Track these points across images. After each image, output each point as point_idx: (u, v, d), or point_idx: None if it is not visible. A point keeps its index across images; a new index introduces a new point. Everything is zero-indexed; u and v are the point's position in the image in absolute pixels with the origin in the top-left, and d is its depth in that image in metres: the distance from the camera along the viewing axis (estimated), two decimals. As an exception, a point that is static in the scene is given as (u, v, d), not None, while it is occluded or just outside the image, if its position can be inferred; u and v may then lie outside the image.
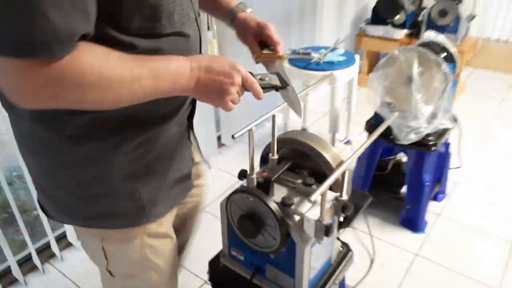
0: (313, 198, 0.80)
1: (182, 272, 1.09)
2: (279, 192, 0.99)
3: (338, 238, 1.17)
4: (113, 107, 0.66)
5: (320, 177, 0.94)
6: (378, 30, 3.11)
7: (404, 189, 1.92)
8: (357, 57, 2.29)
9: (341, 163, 0.99)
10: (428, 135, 1.68)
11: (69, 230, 1.80)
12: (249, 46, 0.95)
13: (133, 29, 0.66)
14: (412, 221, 1.89)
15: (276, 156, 1.05)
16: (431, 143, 1.69)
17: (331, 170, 0.97)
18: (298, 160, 1.07)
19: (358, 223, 1.94)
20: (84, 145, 0.74)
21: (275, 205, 0.91)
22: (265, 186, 0.97)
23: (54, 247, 1.78)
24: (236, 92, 0.74)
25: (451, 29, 2.82)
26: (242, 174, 1.01)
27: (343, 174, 0.92)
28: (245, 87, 0.76)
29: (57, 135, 0.73)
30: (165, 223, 0.93)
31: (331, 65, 2.13)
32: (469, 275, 1.67)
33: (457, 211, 2.02)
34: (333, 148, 1.02)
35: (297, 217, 0.92)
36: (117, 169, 0.78)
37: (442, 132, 1.73)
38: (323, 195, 0.86)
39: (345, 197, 0.95)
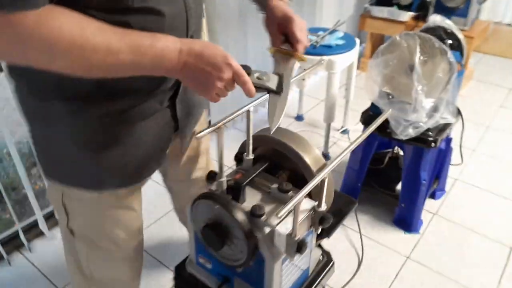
0: (281, 214, 0.68)
1: (161, 268, 1.02)
2: (252, 198, 0.86)
3: (319, 245, 1.06)
4: (86, 76, 0.65)
5: (301, 182, 0.82)
6: (382, 12, 2.93)
7: (400, 186, 1.80)
8: (357, 41, 2.13)
9: (323, 167, 0.86)
10: (428, 130, 1.55)
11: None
12: (271, 37, 0.87)
13: (94, 1, 0.63)
14: (406, 221, 1.77)
15: (251, 156, 0.93)
16: (430, 139, 1.56)
17: (311, 176, 0.85)
18: (277, 161, 0.94)
19: (348, 220, 1.83)
20: (47, 102, 0.75)
21: (243, 215, 0.79)
22: (235, 192, 0.85)
23: (42, 226, 1.73)
24: (224, 87, 0.70)
25: (461, 12, 2.64)
26: (211, 177, 0.89)
27: (322, 182, 0.79)
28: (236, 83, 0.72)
29: (26, 88, 0.77)
30: (129, 197, 0.93)
31: (328, 49, 1.97)
32: (463, 282, 1.56)
33: (455, 210, 1.90)
34: (315, 150, 0.89)
35: (267, 229, 0.80)
36: (80, 133, 0.78)
37: (443, 127, 1.59)
38: (296, 206, 0.74)
39: (323, 207, 0.83)
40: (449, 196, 1.98)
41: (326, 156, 2.25)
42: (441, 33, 1.62)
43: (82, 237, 0.95)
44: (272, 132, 0.79)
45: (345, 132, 2.48)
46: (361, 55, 3.31)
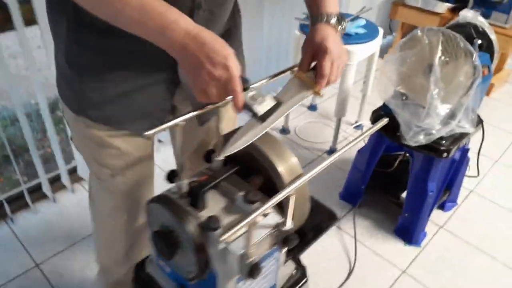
0: (222, 238, 0.59)
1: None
2: (215, 205, 0.77)
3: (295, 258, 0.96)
4: (93, 10, 0.67)
5: (274, 191, 0.73)
6: (416, 0, 2.71)
7: (405, 194, 1.66)
8: (380, 30, 1.96)
9: (298, 177, 0.76)
10: (441, 138, 1.40)
11: (81, 164, 1.82)
12: (301, 59, 0.82)
13: None
14: (408, 232, 1.65)
15: (222, 157, 0.82)
16: (443, 148, 1.41)
17: (283, 187, 0.74)
18: (250, 165, 0.84)
19: (346, 223, 1.72)
20: (54, 15, 0.81)
21: (195, 226, 0.69)
22: (194, 197, 0.75)
23: (65, 180, 1.80)
24: (214, 87, 0.66)
25: (504, 7, 2.40)
26: (171, 176, 0.79)
27: (288, 197, 0.69)
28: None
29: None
30: (121, 141, 0.92)
31: (346, 38, 1.81)
32: (460, 306, 1.44)
33: (464, 225, 1.75)
34: (292, 158, 0.78)
35: (222, 245, 0.70)
36: (74, 53, 0.81)
37: (459, 137, 1.44)
38: (250, 225, 0.64)
39: (289, 226, 0.73)
40: (460, 209, 1.83)
41: (333, 151, 2.12)
42: (471, 31, 1.44)
43: (81, 152, 1.02)
44: (218, 158, 0.69)
45: (358, 127, 2.34)
46: (389, 46, 3.11)
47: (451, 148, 1.41)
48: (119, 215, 1.07)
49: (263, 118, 0.71)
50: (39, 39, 1.48)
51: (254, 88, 0.71)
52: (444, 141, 1.41)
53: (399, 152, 1.83)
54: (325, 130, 2.29)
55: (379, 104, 1.59)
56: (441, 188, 1.63)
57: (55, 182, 1.81)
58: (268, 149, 0.77)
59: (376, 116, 1.58)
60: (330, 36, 0.78)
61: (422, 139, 1.36)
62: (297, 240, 0.73)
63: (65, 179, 1.81)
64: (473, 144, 1.67)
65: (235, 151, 0.70)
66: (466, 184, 1.88)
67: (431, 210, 1.61)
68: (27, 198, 1.70)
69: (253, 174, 0.84)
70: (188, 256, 0.72)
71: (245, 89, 0.68)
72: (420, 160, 1.50)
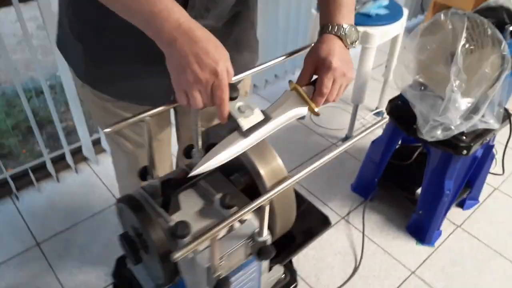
0: (184, 251, 0.53)
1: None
2: (190, 207, 0.71)
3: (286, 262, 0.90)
4: None
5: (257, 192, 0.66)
6: (451, -22, 2.50)
7: (420, 190, 1.56)
8: (405, 11, 1.81)
9: (282, 181, 0.68)
10: (461, 133, 1.28)
11: (103, 136, 1.82)
12: (302, 70, 0.73)
13: None
14: (421, 230, 1.55)
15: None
16: (462, 145, 1.29)
17: (264, 190, 0.67)
18: (233, 162, 0.77)
19: (355, 217, 1.63)
20: None
21: (161, 232, 0.64)
22: (165, 199, 0.70)
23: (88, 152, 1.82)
24: (197, 90, 0.60)
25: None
26: (143, 174, 0.74)
27: (262, 208, 0.62)
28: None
29: None
30: (124, 111, 0.88)
31: (366, 19, 1.68)
32: (471, 313, 1.35)
33: (484, 226, 1.63)
34: (277, 159, 0.70)
35: (189, 255, 0.65)
36: (75, 20, 0.79)
37: (482, 133, 1.31)
38: (212, 240, 0.58)
39: (265, 237, 0.66)
40: (481, 208, 1.71)
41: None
42: (503, 16, 1.29)
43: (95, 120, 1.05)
44: (190, 174, 0.62)
45: (379, 114, 2.21)
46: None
47: (471, 145, 1.29)
48: (133, 176, 1.05)
49: (247, 134, 0.63)
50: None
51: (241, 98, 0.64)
52: (464, 137, 1.29)
53: (418, 143, 1.71)
54: (343, 116, 2.18)
55: (406, 80, 1.45)
56: (460, 185, 1.51)
57: (77, 154, 1.84)
58: (251, 149, 0.70)
59: (392, 106, 1.46)
60: (337, 51, 0.70)
61: (439, 134, 1.25)
62: (273, 253, 0.66)
63: (87, 152, 1.82)
64: (500, 139, 1.53)
65: (208, 169, 0.63)
66: (490, 181, 1.75)
67: (447, 209, 1.51)
68: (50, 169, 1.73)
69: (237, 172, 0.78)
70: (155, 263, 0.67)
71: (232, 98, 0.62)
72: (437, 156, 1.38)
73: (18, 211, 1.61)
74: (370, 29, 1.66)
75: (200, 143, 0.77)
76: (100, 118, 0.95)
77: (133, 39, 0.71)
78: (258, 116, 0.64)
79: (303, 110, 0.69)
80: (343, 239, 1.56)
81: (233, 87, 0.62)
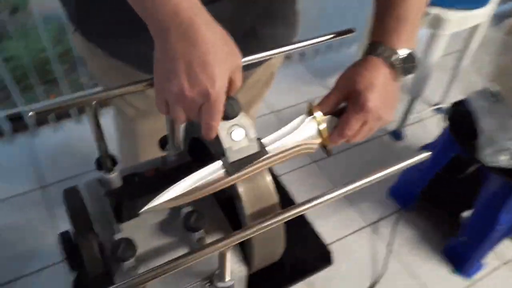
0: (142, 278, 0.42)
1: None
2: (148, 218, 0.59)
3: None
4: None
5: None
6: None
7: (468, 213, 1.33)
8: (495, -6, 1.48)
9: (268, 209, 0.54)
10: (533, 163, 1.03)
11: None
12: (328, 93, 0.57)
13: None
14: (460, 258, 1.34)
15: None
16: (531, 177, 1.04)
17: (243, 218, 0.54)
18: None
19: (385, 227, 1.45)
20: None
21: (95, 250, 0.53)
22: (117, 206, 0.57)
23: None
24: (180, 107, 0.47)
25: None
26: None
27: (222, 254, 0.48)
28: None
29: None
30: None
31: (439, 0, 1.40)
32: None
33: (539, 265, 1.39)
34: (265, 178, 0.55)
35: (129, 283, 0.52)
36: None
37: (561, 166, 1.05)
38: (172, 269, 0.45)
39: (227, 283, 0.52)
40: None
41: (397, 135, 1.78)
42: None
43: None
44: (140, 211, 0.47)
45: (440, 111, 1.93)
46: (507, 15, 2.48)
47: (543, 179, 1.04)
48: (132, 139, 0.97)
49: (231, 170, 0.49)
50: None
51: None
52: (535, 168, 1.04)
53: (477, 156, 1.46)
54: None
55: (475, 86, 1.18)
56: (517, 218, 1.26)
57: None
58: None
59: (453, 112, 1.22)
60: (380, 85, 0.53)
61: (503, 161, 1.01)
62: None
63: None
64: None
65: (167, 206, 0.48)
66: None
67: (496, 243, 1.28)
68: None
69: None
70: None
71: (227, 117, 0.48)
72: (496, 183, 1.14)
73: (33, 148, 1.58)
74: (444, 12, 1.38)
75: (180, 135, 0.63)
76: (98, 70, 0.84)
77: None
78: (252, 147, 0.50)
79: (313, 145, 0.54)
80: (364, 249, 1.39)
81: (232, 106, 0.48)
